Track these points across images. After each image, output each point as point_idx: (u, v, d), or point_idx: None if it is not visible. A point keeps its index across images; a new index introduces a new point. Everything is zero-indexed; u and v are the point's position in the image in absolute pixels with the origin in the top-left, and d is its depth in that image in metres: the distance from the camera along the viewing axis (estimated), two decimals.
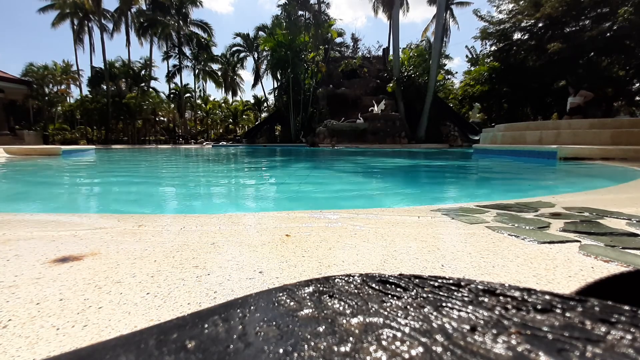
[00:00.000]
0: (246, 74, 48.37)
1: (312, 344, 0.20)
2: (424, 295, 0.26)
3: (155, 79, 34.19)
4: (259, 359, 0.19)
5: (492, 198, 3.36)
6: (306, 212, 1.99)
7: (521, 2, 21.00)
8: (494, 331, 0.20)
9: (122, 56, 44.88)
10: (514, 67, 22.73)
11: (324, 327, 0.22)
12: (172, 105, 34.69)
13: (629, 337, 0.19)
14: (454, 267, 1.08)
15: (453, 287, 0.27)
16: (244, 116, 41.28)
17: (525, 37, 22.23)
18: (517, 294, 0.25)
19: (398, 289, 0.28)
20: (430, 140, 21.14)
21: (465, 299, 0.25)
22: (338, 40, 31.80)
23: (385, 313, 0.24)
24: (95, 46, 32.23)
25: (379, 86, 25.18)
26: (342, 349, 0.20)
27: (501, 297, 0.25)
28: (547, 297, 0.24)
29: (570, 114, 10.29)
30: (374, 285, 0.29)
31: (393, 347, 0.19)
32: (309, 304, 0.26)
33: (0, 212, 2.04)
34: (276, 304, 0.26)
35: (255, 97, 40.16)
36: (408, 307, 0.24)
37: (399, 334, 0.21)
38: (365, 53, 32.64)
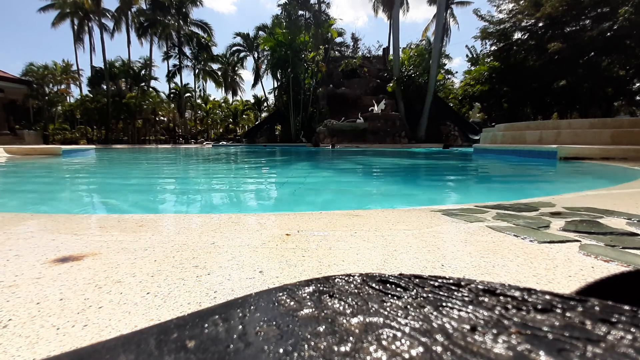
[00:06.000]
0: (246, 74, 48.30)
1: (312, 343, 0.20)
2: (424, 295, 0.26)
3: (155, 78, 34.24)
4: (259, 359, 0.19)
5: (492, 198, 3.36)
6: (306, 212, 1.99)
7: (521, 2, 20.99)
8: (494, 331, 0.20)
9: (122, 56, 44.83)
10: (514, 66, 22.73)
11: (324, 327, 0.22)
12: (172, 105, 34.69)
13: (629, 337, 0.19)
14: (454, 266, 1.08)
15: (453, 287, 0.27)
16: (244, 116, 41.28)
17: (526, 36, 22.22)
18: (517, 293, 0.25)
19: (398, 289, 0.28)
20: (430, 140, 21.14)
21: (466, 298, 0.25)
22: (338, 39, 31.82)
23: (386, 313, 0.24)
24: (95, 46, 32.25)
25: (379, 86, 25.17)
26: (342, 348, 0.20)
27: (501, 297, 0.25)
28: (547, 297, 0.24)
29: None
30: (374, 285, 0.29)
31: (393, 347, 0.19)
32: (309, 303, 0.26)
33: (0, 212, 2.04)
34: (276, 304, 0.26)
35: (255, 96, 40.19)
36: (408, 307, 0.24)
37: (399, 334, 0.21)
38: (365, 53, 32.66)
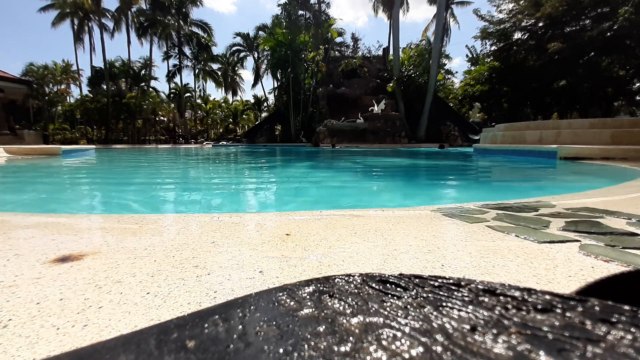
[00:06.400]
0: (246, 74, 48.29)
1: (312, 343, 0.20)
2: (424, 295, 0.26)
3: (155, 78, 34.23)
4: (259, 359, 0.19)
5: (492, 198, 3.36)
6: (306, 211, 1.99)
7: (521, 2, 20.99)
8: (494, 331, 0.20)
9: (122, 56, 44.80)
10: (514, 66, 22.73)
11: (324, 326, 0.22)
12: (172, 105, 34.68)
13: (629, 337, 0.19)
14: (454, 266, 1.08)
15: (453, 287, 0.27)
16: (244, 116, 41.28)
17: (526, 36, 22.23)
18: (517, 293, 0.25)
19: (398, 289, 0.27)
20: (430, 140, 21.14)
21: (466, 298, 0.25)
22: (338, 39, 31.83)
23: (386, 313, 0.24)
24: (95, 46, 32.25)
25: (379, 86, 25.17)
26: (342, 348, 0.20)
27: (501, 297, 0.25)
28: (547, 297, 0.24)
29: None
30: (374, 285, 0.29)
31: (393, 347, 0.19)
32: (309, 303, 0.26)
33: (0, 211, 2.04)
34: (276, 304, 0.26)
35: (255, 96, 40.18)
36: (408, 306, 0.24)
37: (399, 334, 0.21)
38: (365, 53, 32.67)
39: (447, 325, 0.21)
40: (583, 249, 1.23)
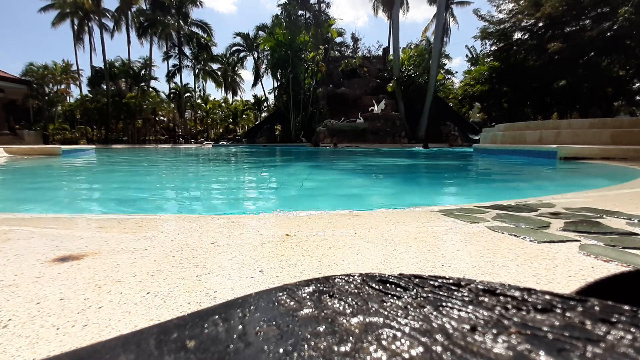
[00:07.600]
0: (246, 74, 48.21)
1: (312, 343, 0.20)
2: (424, 295, 0.26)
3: (155, 78, 34.23)
4: (259, 359, 0.19)
5: (492, 198, 3.36)
6: (306, 212, 1.99)
7: (521, 2, 20.98)
8: (494, 331, 0.20)
9: (122, 56, 44.76)
10: (514, 66, 22.72)
11: (324, 326, 0.22)
12: (172, 105, 34.68)
13: (629, 337, 0.18)
14: (454, 266, 1.08)
15: (453, 287, 0.27)
16: (244, 116, 41.26)
17: (526, 36, 22.22)
18: (517, 293, 0.25)
19: (398, 289, 0.27)
20: (430, 140, 21.13)
21: (465, 298, 0.25)
22: (338, 39, 31.83)
23: (385, 313, 0.24)
24: (96, 46, 32.28)
25: (379, 86, 25.16)
26: (342, 348, 0.20)
27: (501, 297, 0.25)
28: (547, 297, 0.24)
29: None
30: (374, 285, 0.29)
31: (393, 347, 0.19)
32: (309, 303, 0.26)
33: (0, 211, 2.04)
34: (276, 304, 0.26)
35: (255, 96, 40.15)
36: (408, 306, 0.24)
37: (399, 334, 0.21)
38: (365, 53, 32.68)
39: (447, 325, 0.21)
40: (583, 249, 1.23)
